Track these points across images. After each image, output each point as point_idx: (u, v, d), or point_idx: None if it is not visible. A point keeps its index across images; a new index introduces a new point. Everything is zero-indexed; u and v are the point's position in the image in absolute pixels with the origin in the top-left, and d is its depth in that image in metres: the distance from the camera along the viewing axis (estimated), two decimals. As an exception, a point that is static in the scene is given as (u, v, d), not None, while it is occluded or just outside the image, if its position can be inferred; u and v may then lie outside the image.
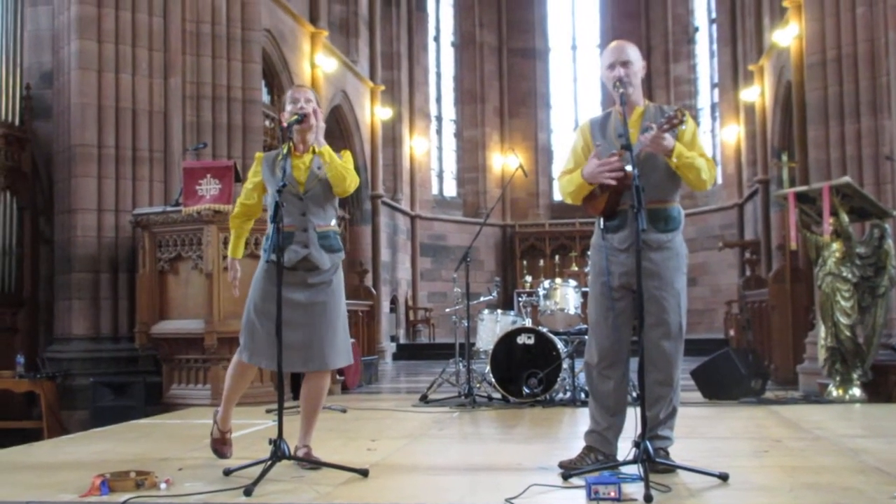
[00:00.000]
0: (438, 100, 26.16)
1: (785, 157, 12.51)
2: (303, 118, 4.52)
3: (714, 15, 23.84)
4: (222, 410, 4.87)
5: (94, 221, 9.43)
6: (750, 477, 4.15)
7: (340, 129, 18.80)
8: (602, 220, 4.34)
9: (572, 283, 8.63)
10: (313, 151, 4.60)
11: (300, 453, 4.52)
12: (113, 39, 9.58)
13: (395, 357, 19.70)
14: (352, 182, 4.55)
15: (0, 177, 9.60)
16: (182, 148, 9.96)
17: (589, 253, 4.79)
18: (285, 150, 4.51)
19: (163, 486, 4.00)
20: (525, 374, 7.93)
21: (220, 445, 4.93)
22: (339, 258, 4.64)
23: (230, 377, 4.82)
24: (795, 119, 13.86)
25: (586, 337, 4.58)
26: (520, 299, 9.36)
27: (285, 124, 4.51)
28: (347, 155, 4.68)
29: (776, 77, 16.76)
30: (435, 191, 25.54)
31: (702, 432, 5.95)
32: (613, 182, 4.15)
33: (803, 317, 10.22)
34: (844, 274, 7.96)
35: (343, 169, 4.51)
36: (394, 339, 20.74)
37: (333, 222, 4.67)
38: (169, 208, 8.64)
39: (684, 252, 4.37)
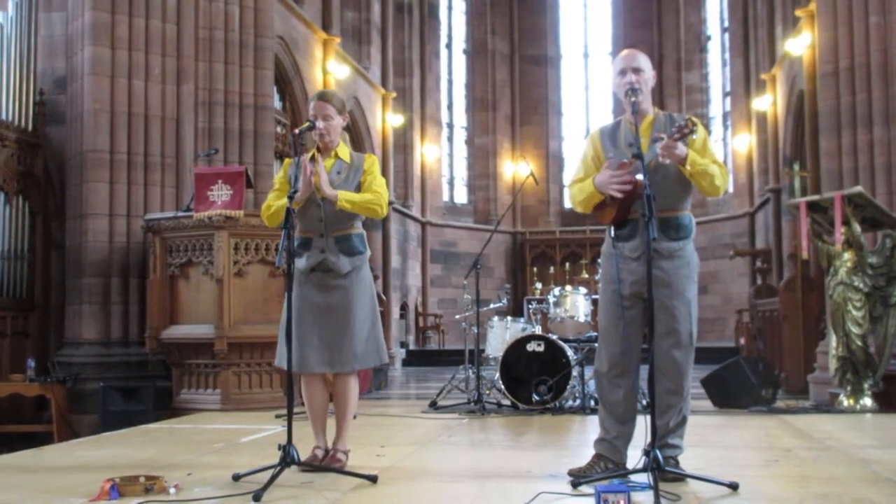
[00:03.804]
0: (450, 107, 26.18)
1: (797, 167, 12.48)
2: (313, 125, 4.57)
3: (726, 24, 23.81)
4: (313, 430, 4.78)
5: (106, 226, 9.46)
6: (760, 486, 4.13)
7: (352, 136, 18.82)
8: (613, 228, 4.34)
9: (582, 290, 8.61)
10: (336, 156, 4.65)
11: (319, 454, 4.62)
12: (126, 46, 9.63)
13: (405, 363, 19.71)
14: (383, 207, 4.60)
15: (13, 182, 9.64)
16: (194, 154, 9.99)
17: (599, 261, 4.79)
18: (309, 157, 4.56)
19: (172, 490, 4.01)
20: (535, 381, 7.91)
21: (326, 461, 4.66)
22: (361, 260, 4.66)
23: (303, 393, 4.79)
24: (807, 128, 13.85)
25: (596, 345, 4.57)
26: (530, 306, 9.34)
27: (296, 131, 4.55)
28: (373, 162, 4.71)
29: (788, 86, 16.72)
30: (446, 197, 25.55)
31: (712, 441, 5.93)
32: (619, 195, 4.16)
33: (814, 326, 10.18)
34: (856, 283, 7.93)
35: (369, 203, 4.55)
36: (404, 345, 20.74)
37: (357, 225, 4.69)
38: (180, 214, 8.68)
39: (695, 261, 4.36)
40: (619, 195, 4.17)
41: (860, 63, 9.60)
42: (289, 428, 4.28)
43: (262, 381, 8.49)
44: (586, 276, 21.70)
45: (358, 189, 4.61)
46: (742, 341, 14.82)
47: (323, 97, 4.68)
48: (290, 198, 4.34)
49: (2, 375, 9.20)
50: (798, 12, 14.28)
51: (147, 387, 8.80)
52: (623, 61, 4.36)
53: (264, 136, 10.82)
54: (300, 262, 4.58)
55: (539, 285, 19.15)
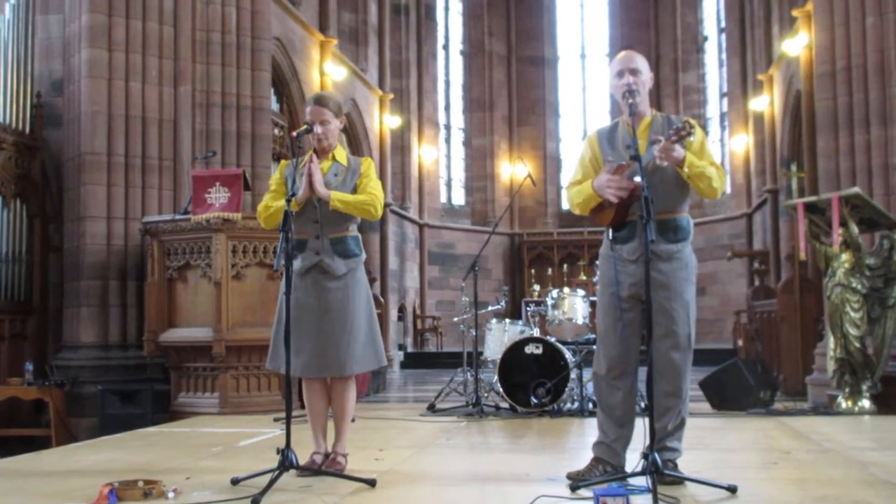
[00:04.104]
0: (447, 108, 26.18)
1: (794, 167, 12.48)
2: (310, 128, 4.59)
3: (723, 24, 23.81)
4: (312, 435, 4.79)
5: (104, 229, 9.44)
6: (759, 489, 4.13)
7: (350, 138, 18.83)
8: (611, 230, 4.34)
9: (580, 292, 8.61)
10: (333, 158, 4.66)
11: (318, 459, 4.60)
12: (123, 48, 9.61)
13: (403, 365, 19.71)
14: (377, 207, 4.60)
15: (10, 184, 9.63)
16: (191, 156, 9.98)
17: (597, 262, 4.79)
18: (307, 159, 4.59)
19: (171, 494, 4.00)
20: (533, 383, 7.91)
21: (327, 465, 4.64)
22: (356, 262, 4.66)
23: (303, 397, 4.80)
24: (805, 129, 13.87)
25: (594, 347, 4.57)
26: (528, 308, 9.35)
27: (294, 134, 4.56)
28: (369, 165, 4.72)
29: (785, 86, 16.74)
30: (443, 199, 25.56)
31: (710, 443, 5.93)
32: (614, 200, 4.17)
33: (812, 328, 10.18)
34: (854, 285, 7.93)
35: (362, 203, 4.56)
36: (401, 347, 20.74)
37: (352, 227, 4.70)
38: (178, 216, 8.66)
39: (693, 262, 4.36)
40: (614, 200, 4.18)
41: (857, 64, 9.61)
42: (287, 431, 4.27)
43: (261, 384, 8.48)
44: (584, 277, 21.70)
45: (354, 192, 4.62)
46: (740, 343, 14.83)
47: (319, 101, 4.67)
48: (288, 201, 4.35)
49: (0, 379, 9.18)
50: (795, 13, 14.29)
51: (145, 390, 8.79)
52: (620, 63, 4.36)
53: (262, 138, 10.82)
54: (295, 264, 4.56)
55: (537, 287, 19.21)
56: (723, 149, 23.71)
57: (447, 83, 26.20)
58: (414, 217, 22.66)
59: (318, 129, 4.61)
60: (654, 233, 3.87)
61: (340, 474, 4.42)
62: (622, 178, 4.16)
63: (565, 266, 23.95)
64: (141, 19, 9.72)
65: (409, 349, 21.36)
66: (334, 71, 16.93)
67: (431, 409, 8.39)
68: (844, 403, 7.93)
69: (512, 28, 26.86)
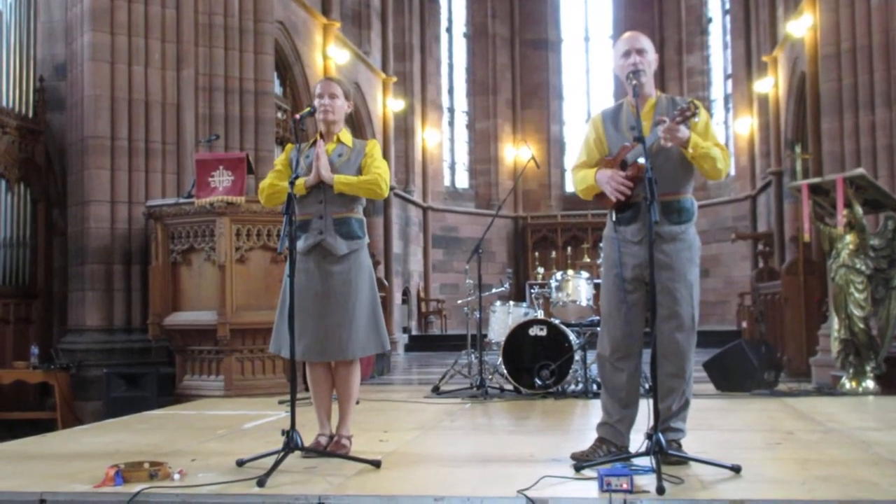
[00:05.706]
0: (451, 91, 26.11)
1: (798, 149, 12.45)
2: (313, 111, 4.60)
3: (727, 6, 23.72)
4: (317, 417, 4.81)
5: (108, 213, 9.46)
6: (762, 469, 4.14)
7: (353, 122, 18.78)
8: (615, 212, 4.34)
9: (584, 274, 8.61)
10: (338, 140, 4.67)
11: (323, 441, 4.63)
12: (126, 31, 9.61)
13: (408, 348, 19.74)
14: (382, 186, 4.59)
15: (14, 169, 9.64)
16: (195, 140, 9.97)
17: (601, 245, 4.79)
18: (311, 143, 4.63)
19: (176, 476, 4.02)
20: (537, 365, 7.93)
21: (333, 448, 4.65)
22: (359, 245, 4.65)
23: (307, 380, 4.82)
24: (809, 110, 13.79)
25: (598, 329, 4.58)
26: (532, 291, 9.35)
27: (297, 116, 4.56)
28: (374, 145, 4.74)
29: (790, 68, 16.66)
30: (447, 182, 25.52)
31: (714, 424, 5.94)
32: (612, 198, 4.21)
33: (816, 309, 10.18)
34: (858, 266, 7.93)
35: (367, 184, 4.57)
36: (406, 330, 20.76)
37: (357, 209, 4.70)
38: (182, 200, 8.67)
39: (697, 244, 4.36)
40: (612, 198, 4.21)
41: (862, 45, 9.57)
42: (292, 413, 4.29)
43: (265, 367, 8.50)
44: (588, 260, 21.69)
45: (359, 172, 4.62)
46: (744, 325, 14.82)
47: (329, 78, 4.77)
48: (292, 183, 4.35)
49: (5, 362, 9.22)
50: (800, -6, 14.21)
51: (150, 373, 8.82)
52: (626, 43, 4.35)
53: (265, 121, 10.80)
54: (298, 244, 4.56)
55: (541, 270, 19.18)
56: (727, 131, 23.62)
57: (450, 66, 26.12)
58: (418, 200, 22.64)
59: (325, 101, 4.61)
60: (658, 214, 3.86)
61: (345, 455, 4.44)
62: (624, 175, 4.17)
63: (569, 249, 23.91)
64: (143, 2, 9.71)
65: (414, 332, 21.39)
66: (337, 54, 16.87)
67: (436, 391, 8.41)
68: (848, 384, 7.94)
69: (515, 10, 26.74)
